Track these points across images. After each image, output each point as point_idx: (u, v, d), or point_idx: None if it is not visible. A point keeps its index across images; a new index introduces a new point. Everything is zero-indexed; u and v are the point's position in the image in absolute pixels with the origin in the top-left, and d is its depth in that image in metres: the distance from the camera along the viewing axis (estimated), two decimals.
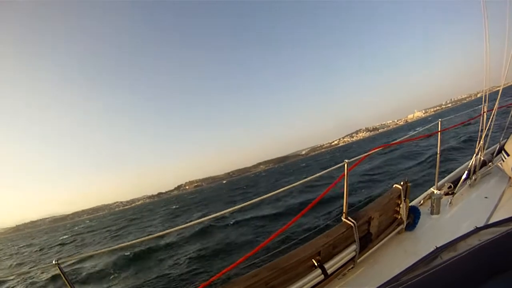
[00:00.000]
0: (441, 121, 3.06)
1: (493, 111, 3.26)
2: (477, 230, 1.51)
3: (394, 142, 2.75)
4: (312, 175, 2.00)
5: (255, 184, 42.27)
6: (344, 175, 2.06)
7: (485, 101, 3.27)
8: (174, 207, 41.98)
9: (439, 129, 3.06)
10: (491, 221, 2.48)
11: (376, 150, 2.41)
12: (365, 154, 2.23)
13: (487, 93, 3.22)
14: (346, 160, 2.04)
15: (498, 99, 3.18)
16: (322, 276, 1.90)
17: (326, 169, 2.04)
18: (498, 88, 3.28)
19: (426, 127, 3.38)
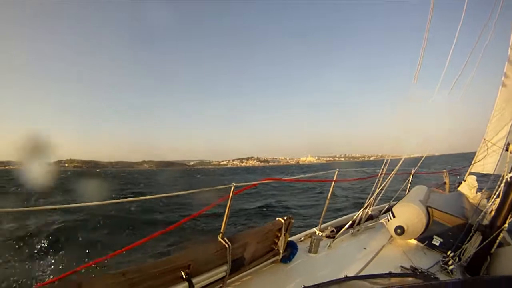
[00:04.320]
0: (338, 171, 3.39)
1: (390, 175, 3.67)
2: (346, 279, 1.65)
3: (286, 179, 2.99)
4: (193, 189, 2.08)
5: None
6: (228, 197, 2.21)
7: (385, 165, 3.68)
8: None
9: (334, 179, 3.38)
10: (363, 272, 2.68)
11: (266, 181, 2.67)
12: (254, 182, 2.49)
13: (389, 159, 3.67)
14: (234, 184, 2.20)
15: (399, 165, 3.62)
16: None
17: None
18: (398, 157, 3.70)
19: (324, 172, 3.64)
